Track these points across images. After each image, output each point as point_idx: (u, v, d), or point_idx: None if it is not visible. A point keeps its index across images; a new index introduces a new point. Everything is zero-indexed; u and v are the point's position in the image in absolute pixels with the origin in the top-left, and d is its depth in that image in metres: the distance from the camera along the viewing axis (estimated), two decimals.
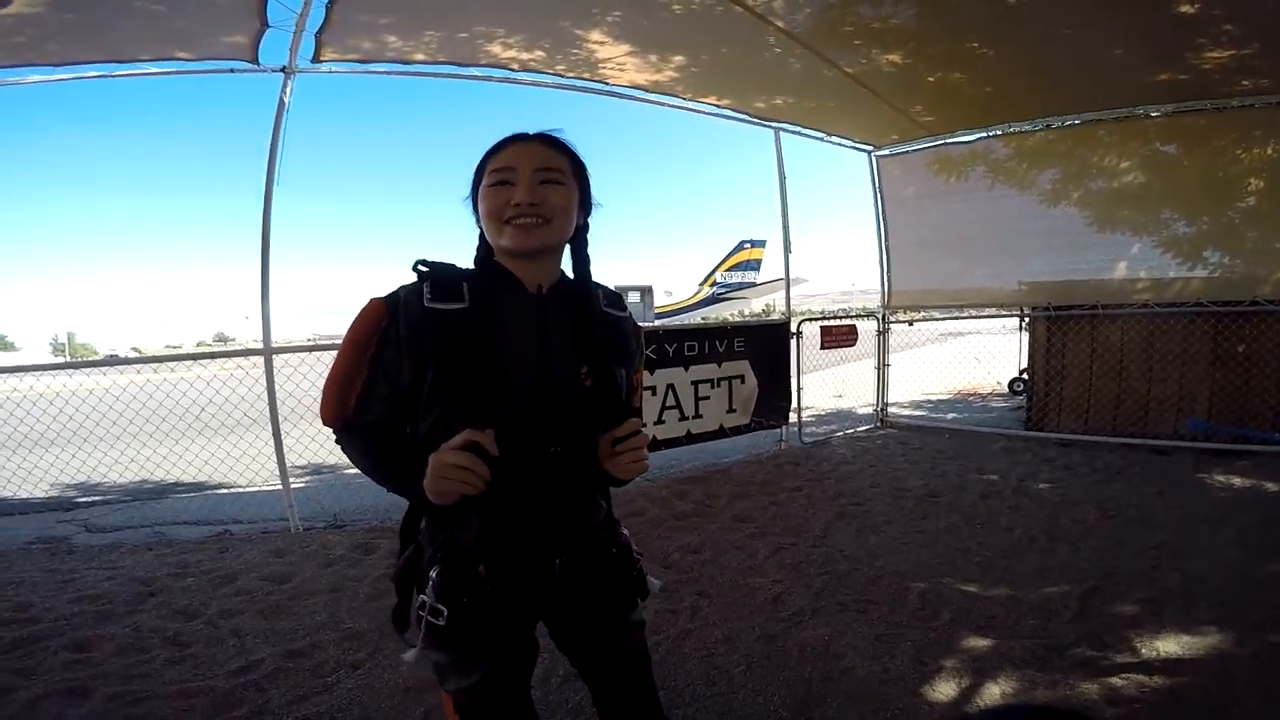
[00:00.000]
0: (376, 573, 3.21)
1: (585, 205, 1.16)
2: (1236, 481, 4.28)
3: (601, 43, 4.04)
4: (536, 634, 1.21)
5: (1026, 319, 6.34)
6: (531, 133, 1.10)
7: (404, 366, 1.04)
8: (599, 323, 1.15)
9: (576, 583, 1.15)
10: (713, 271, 31.72)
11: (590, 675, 1.29)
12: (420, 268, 1.07)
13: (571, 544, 1.15)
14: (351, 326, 1.07)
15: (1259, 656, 2.21)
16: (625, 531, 1.27)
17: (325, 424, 1.11)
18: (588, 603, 1.19)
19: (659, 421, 4.96)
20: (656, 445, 4.92)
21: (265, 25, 3.35)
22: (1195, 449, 4.97)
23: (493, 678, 1.11)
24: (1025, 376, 7.05)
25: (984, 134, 5.93)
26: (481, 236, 1.13)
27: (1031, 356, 6.33)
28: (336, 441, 1.12)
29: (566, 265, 1.20)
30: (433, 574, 1.06)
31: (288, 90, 3.78)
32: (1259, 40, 3.90)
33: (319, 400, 1.11)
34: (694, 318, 27.27)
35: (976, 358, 8.32)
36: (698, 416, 5.17)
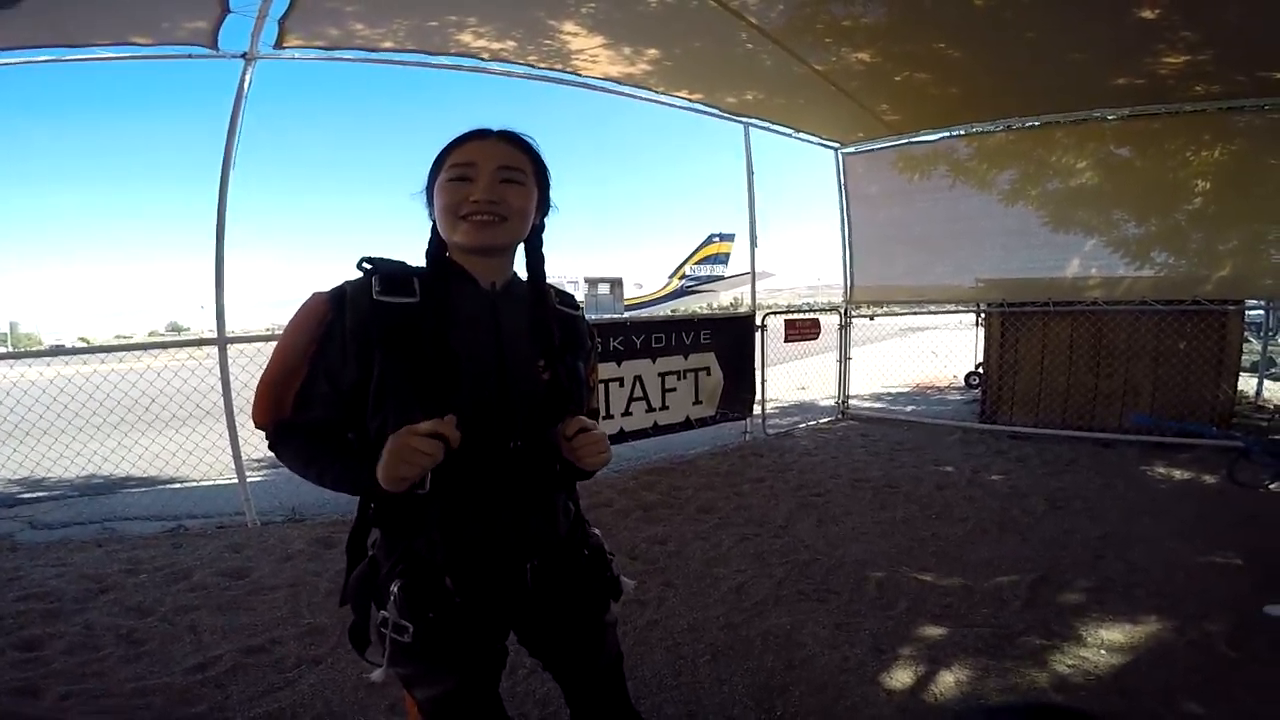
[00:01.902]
0: (337, 567, 3.14)
1: (543, 207, 1.14)
2: (1177, 474, 4.49)
3: (575, 34, 4.01)
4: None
5: (982, 314, 6.53)
6: (495, 129, 1.07)
7: (348, 363, 0.99)
8: (553, 317, 1.14)
9: (549, 589, 1.13)
10: (682, 264, 31.79)
11: (563, 678, 1.27)
12: (365, 265, 1.03)
13: (541, 547, 1.12)
14: (291, 322, 1.02)
15: (1194, 644, 2.33)
16: (596, 531, 1.26)
17: (258, 426, 1.05)
18: (561, 609, 1.17)
19: (626, 413, 4.99)
20: (623, 436, 4.95)
21: (226, 10, 3.24)
22: (1139, 442, 5.19)
23: (462, 687, 1.09)
24: (980, 371, 7.26)
25: (947, 134, 6.06)
26: (434, 231, 1.09)
27: (986, 351, 6.51)
28: (271, 447, 1.06)
29: (519, 267, 1.17)
30: (394, 588, 1.01)
31: (248, 77, 3.66)
32: (1214, 47, 4.04)
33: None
34: (663, 310, 27.30)
35: (934, 352, 8.56)
36: (664, 408, 5.22)
